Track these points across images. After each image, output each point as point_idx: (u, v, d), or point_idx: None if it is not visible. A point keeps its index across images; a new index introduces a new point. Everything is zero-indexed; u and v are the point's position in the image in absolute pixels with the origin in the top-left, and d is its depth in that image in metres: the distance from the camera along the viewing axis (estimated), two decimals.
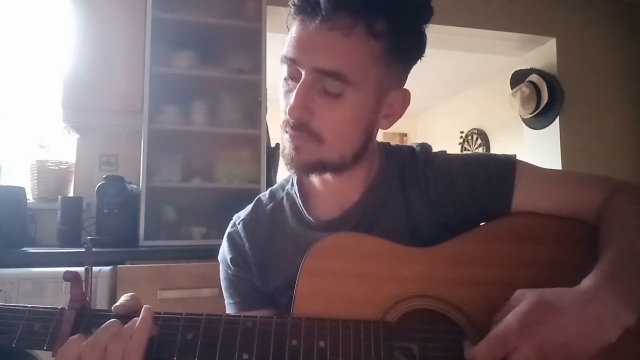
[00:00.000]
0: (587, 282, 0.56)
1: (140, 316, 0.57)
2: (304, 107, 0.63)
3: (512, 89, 2.90)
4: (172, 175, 2.06)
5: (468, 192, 0.73)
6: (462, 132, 4.97)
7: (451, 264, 0.65)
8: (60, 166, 2.13)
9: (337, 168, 0.69)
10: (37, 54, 2.32)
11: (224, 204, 2.02)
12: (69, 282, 0.59)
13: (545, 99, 2.69)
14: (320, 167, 0.67)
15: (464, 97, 5.08)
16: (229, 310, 0.80)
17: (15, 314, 0.59)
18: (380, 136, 0.77)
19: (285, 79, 0.67)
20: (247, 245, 0.78)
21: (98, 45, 1.98)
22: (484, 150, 4.63)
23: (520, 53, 3.02)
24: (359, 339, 0.59)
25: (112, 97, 1.97)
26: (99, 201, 1.88)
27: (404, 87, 0.71)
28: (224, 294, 0.82)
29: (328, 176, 0.72)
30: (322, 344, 0.58)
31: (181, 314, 0.60)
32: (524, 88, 2.78)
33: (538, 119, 2.81)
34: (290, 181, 0.82)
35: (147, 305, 0.59)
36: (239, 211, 0.85)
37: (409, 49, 0.66)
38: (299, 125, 0.64)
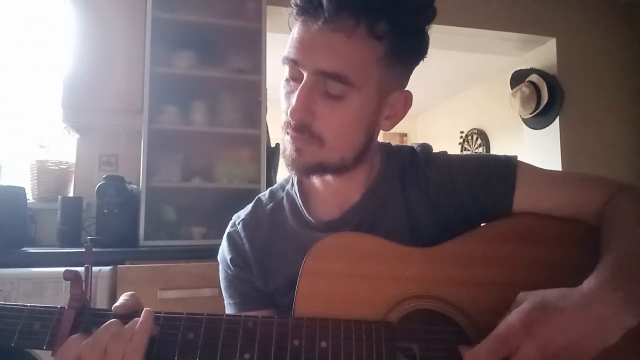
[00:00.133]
0: (589, 283, 0.56)
1: (141, 318, 0.57)
2: (305, 109, 0.62)
3: (512, 89, 2.90)
4: (172, 175, 2.06)
5: (468, 192, 0.72)
6: (462, 132, 4.97)
7: (452, 264, 0.65)
8: (60, 166, 2.13)
9: (338, 169, 0.69)
10: (37, 54, 2.32)
11: (224, 204, 2.02)
12: (69, 281, 0.58)
13: (545, 99, 2.69)
14: (321, 168, 0.67)
15: (464, 97, 5.08)
16: (229, 310, 0.80)
17: (14, 313, 0.58)
18: (380, 136, 0.76)
19: (286, 79, 0.67)
20: (247, 245, 0.78)
21: (98, 45, 1.98)
22: (484, 150, 4.63)
23: (520, 53, 3.02)
24: (360, 339, 0.59)
25: (112, 97, 1.97)
26: (99, 201, 1.88)
27: (406, 88, 0.71)
28: (224, 294, 0.82)
29: (329, 177, 0.72)
30: (323, 344, 0.58)
31: (182, 313, 0.59)
32: (524, 88, 2.78)
33: (538, 119, 2.81)
34: (291, 181, 0.82)
35: (148, 308, 0.59)
36: (238, 211, 0.85)
37: (411, 50, 0.66)
38: (301, 127, 0.64)
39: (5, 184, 1.82)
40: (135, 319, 0.57)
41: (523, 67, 2.92)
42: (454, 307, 0.63)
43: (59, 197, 1.94)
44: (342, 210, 0.75)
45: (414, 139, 6.01)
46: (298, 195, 0.78)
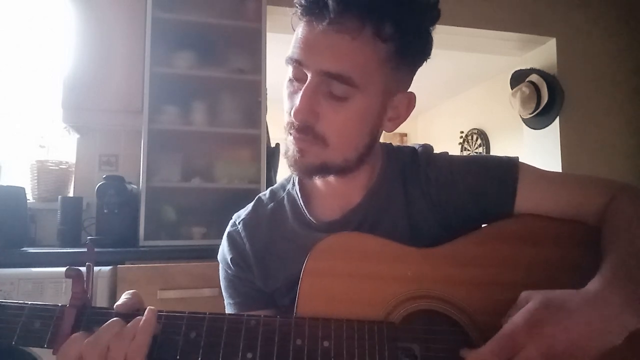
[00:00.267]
0: (592, 285, 0.56)
1: (144, 317, 0.57)
2: (309, 109, 0.62)
3: (512, 89, 2.90)
4: (172, 175, 2.05)
5: (470, 193, 0.72)
6: (462, 132, 4.97)
7: (453, 264, 0.65)
8: (60, 166, 2.13)
9: (341, 170, 0.68)
10: (37, 54, 2.31)
11: (224, 204, 2.02)
12: (71, 279, 0.58)
13: (545, 99, 2.69)
14: (324, 169, 0.67)
15: (464, 97, 5.08)
16: (229, 310, 0.80)
17: (15, 310, 0.58)
18: (381, 136, 0.76)
19: (290, 80, 0.66)
20: (247, 245, 0.77)
21: (98, 45, 1.98)
22: (484, 150, 4.64)
23: (520, 53, 3.02)
24: (363, 339, 0.59)
25: (112, 97, 1.97)
26: (99, 201, 1.88)
27: (409, 90, 0.71)
28: (224, 294, 0.82)
29: (331, 178, 0.72)
30: (326, 344, 0.58)
31: (184, 312, 0.59)
32: (524, 88, 2.78)
33: (538, 119, 2.81)
34: (292, 181, 0.82)
35: (152, 307, 0.58)
36: (238, 211, 0.84)
37: (415, 51, 0.66)
38: (304, 128, 0.64)
39: (5, 184, 1.82)
40: (138, 317, 0.57)
41: (523, 67, 2.91)
42: (454, 307, 0.63)
43: (59, 197, 1.94)
44: (343, 211, 0.74)
45: (414, 139, 6.01)
46: (299, 196, 0.78)
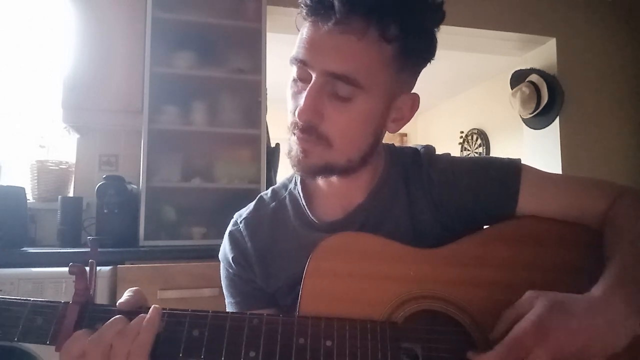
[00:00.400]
0: (597, 289, 0.56)
1: (148, 315, 0.56)
2: (313, 110, 0.62)
3: (512, 89, 2.90)
4: (172, 175, 2.05)
5: (472, 194, 0.72)
6: (462, 132, 4.97)
7: (455, 265, 0.66)
8: (60, 166, 2.13)
9: (344, 171, 0.68)
10: (37, 54, 2.31)
11: (224, 204, 2.02)
12: (74, 276, 0.57)
13: (545, 99, 2.69)
14: (327, 170, 0.67)
15: (464, 97, 5.08)
16: (230, 309, 0.80)
17: (17, 307, 0.57)
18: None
19: (294, 80, 0.66)
20: (249, 244, 0.77)
21: (98, 45, 1.98)
22: (484, 150, 4.64)
23: (520, 53, 3.03)
24: (365, 339, 0.59)
25: (112, 97, 1.97)
26: (99, 201, 1.88)
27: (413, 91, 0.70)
28: (225, 293, 0.81)
29: (333, 178, 0.71)
30: (329, 343, 0.58)
31: (187, 310, 0.59)
32: (524, 88, 2.78)
33: (538, 119, 2.81)
34: (294, 181, 0.81)
35: (156, 305, 0.58)
36: (239, 211, 0.84)
37: (420, 52, 0.66)
38: (308, 129, 0.63)
39: (5, 184, 1.83)
40: (141, 315, 0.56)
41: (523, 67, 2.92)
42: (456, 308, 0.63)
43: (59, 197, 1.94)
44: (345, 211, 0.74)
45: (414, 139, 6.01)
46: (301, 195, 0.78)
